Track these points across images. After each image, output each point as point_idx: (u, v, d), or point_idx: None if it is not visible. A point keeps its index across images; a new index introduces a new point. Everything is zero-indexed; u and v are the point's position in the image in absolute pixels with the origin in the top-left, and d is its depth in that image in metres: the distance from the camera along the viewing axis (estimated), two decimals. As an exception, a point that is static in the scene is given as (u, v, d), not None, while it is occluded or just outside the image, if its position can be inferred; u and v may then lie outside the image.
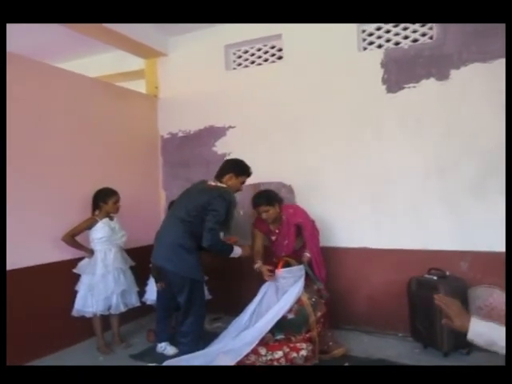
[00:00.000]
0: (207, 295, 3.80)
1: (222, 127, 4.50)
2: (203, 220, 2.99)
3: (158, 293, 3.53)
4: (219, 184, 3.16)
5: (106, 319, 3.60)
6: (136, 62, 5.07)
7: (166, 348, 3.47)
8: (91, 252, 3.52)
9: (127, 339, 3.80)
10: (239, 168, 3.25)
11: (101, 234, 3.49)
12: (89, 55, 5.26)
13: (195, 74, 4.64)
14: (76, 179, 3.81)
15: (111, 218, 3.61)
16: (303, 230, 3.46)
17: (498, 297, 3.30)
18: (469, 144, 3.47)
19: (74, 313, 3.44)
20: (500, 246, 3.33)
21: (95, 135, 4.06)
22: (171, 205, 3.79)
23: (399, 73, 3.70)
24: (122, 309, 3.55)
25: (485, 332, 1.62)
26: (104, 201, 3.53)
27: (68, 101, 3.81)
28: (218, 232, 3.01)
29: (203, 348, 3.05)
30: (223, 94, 4.47)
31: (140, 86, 5.03)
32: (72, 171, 3.79)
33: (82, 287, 3.47)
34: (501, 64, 3.30)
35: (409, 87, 3.67)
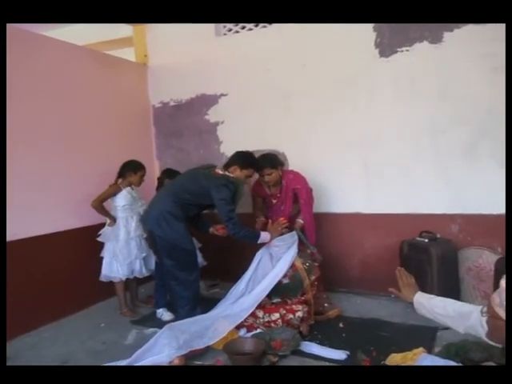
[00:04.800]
0: (202, 262, 3.88)
1: (214, 95, 4.45)
2: (200, 204, 3.17)
3: (156, 262, 3.62)
4: (227, 173, 3.20)
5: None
6: (123, 30, 4.94)
7: (163, 314, 3.58)
8: (114, 220, 3.63)
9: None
10: (245, 161, 3.25)
11: (124, 201, 3.61)
12: (74, 23, 5.10)
13: (185, 40, 4.54)
14: (68, 152, 3.80)
15: (132, 187, 3.72)
16: (299, 196, 3.51)
17: (487, 258, 3.39)
18: (461, 108, 3.48)
19: (102, 278, 3.62)
20: (489, 209, 3.42)
21: (85, 106, 4.00)
22: (165, 172, 3.80)
23: (392, 36, 3.65)
24: (145, 273, 3.74)
25: (424, 304, 1.92)
26: (134, 171, 3.66)
27: (55, 70, 3.73)
28: (237, 219, 3.09)
29: (201, 313, 3.12)
30: (214, 60, 4.40)
31: (128, 55, 4.91)
32: (63, 144, 3.76)
33: (106, 254, 3.62)
34: (494, 26, 3.27)
35: (402, 51, 3.63)
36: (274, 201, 3.62)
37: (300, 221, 3.51)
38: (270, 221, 3.44)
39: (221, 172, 3.22)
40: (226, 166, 3.26)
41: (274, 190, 3.59)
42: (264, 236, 3.20)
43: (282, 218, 3.34)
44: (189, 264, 3.13)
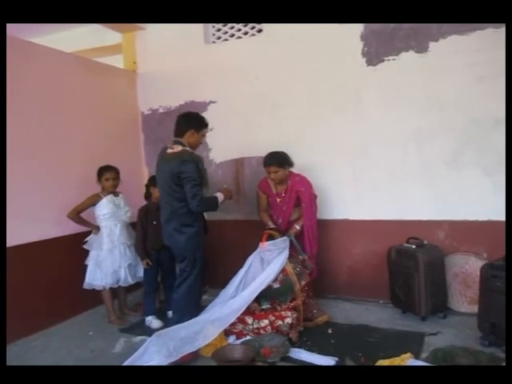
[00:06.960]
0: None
1: (203, 102, 4.46)
2: (182, 187, 2.96)
3: (145, 269, 3.61)
4: (176, 149, 3.01)
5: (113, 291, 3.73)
6: (113, 37, 4.94)
7: (151, 321, 3.56)
8: (97, 228, 3.59)
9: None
10: (198, 122, 3.14)
11: (105, 210, 3.56)
12: (63, 29, 5.06)
13: (174, 48, 4.56)
14: (55, 159, 3.78)
15: (116, 194, 3.66)
16: (301, 199, 3.54)
17: (473, 264, 3.44)
18: (447, 116, 3.54)
19: (85, 286, 3.59)
20: (474, 216, 3.48)
21: (73, 112, 3.98)
22: (151, 179, 3.72)
23: (379, 45, 3.71)
24: (131, 281, 3.70)
25: None
26: (98, 178, 3.60)
27: (43, 77, 3.71)
28: (203, 195, 2.98)
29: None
30: (203, 68, 4.42)
31: (117, 62, 4.91)
32: (50, 150, 3.74)
33: (90, 262, 3.59)
34: (479, 35, 3.35)
35: (388, 60, 3.69)
36: (279, 200, 3.65)
37: (297, 227, 3.55)
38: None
39: (171, 151, 3.03)
40: (179, 135, 3.09)
41: (280, 190, 3.63)
42: (220, 197, 3.17)
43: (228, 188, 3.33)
44: (197, 268, 3.07)
